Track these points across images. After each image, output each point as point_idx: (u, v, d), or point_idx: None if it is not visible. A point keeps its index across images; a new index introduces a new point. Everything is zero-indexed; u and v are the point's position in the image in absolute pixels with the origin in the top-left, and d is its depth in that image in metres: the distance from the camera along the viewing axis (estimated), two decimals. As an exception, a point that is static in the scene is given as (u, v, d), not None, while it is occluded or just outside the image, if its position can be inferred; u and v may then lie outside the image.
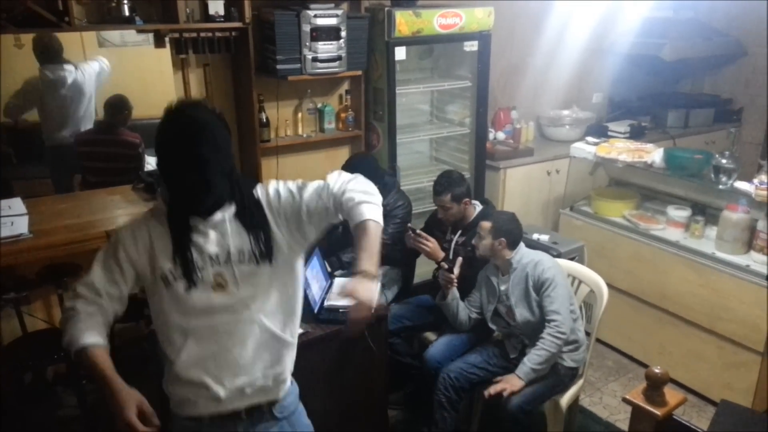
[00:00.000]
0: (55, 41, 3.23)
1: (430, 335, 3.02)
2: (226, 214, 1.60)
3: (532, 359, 2.49)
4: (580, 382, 2.72)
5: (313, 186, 1.65)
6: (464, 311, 2.75)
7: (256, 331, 1.64)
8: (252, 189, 1.66)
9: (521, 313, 2.59)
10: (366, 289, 1.52)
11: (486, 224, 2.64)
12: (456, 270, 2.72)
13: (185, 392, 1.66)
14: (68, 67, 3.34)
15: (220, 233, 1.59)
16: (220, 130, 1.53)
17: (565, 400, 2.60)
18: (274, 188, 1.66)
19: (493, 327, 2.73)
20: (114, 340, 2.97)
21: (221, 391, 1.62)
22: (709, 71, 5.19)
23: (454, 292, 2.72)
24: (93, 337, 1.53)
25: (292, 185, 1.66)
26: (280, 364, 1.70)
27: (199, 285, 1.58)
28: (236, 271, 1.60)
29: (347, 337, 1.69)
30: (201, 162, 1.49)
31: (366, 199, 1.61)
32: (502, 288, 2.66)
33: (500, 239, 2.60)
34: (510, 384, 2.47)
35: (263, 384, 1.67)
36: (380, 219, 1.61)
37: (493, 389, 2.48)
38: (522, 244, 2.67)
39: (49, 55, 3.27)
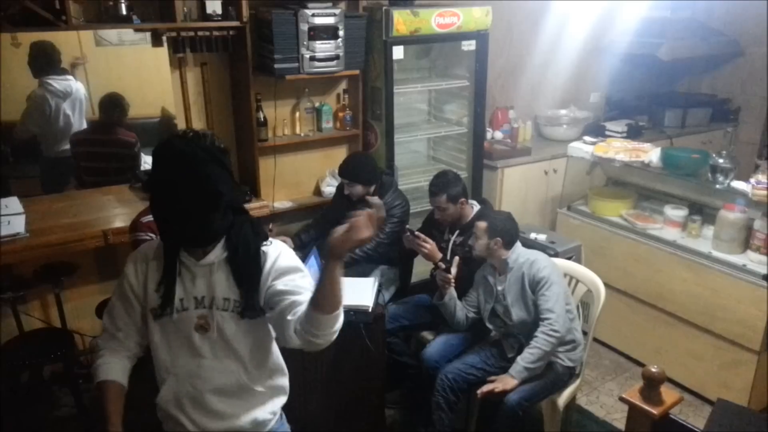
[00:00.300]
0: (56, 52, 3.24)
1: (428, 335, 3.02)
2: (217, 258, 1.60)
3: (525, 358, 2.49)
4: (578, 381, 2.72)
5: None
6: (462, 311, 2.75)
7: (232, 380, 1.65)
8: (256, 239, 1.62)
9: (517, 313, 2.60)
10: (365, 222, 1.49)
11: (482, 224, 2.64)
12: (453, 270, 2.72)
13: (166, 423, 1.75)
14: (69, 78, 3.34)
15: (210, 276, 1.60)
16: (206, 165, 1.50)
17: (562, 399, 2.61)
18: (278, 252, 1.63)
19: (491, 327, 2.73)
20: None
21: (189, 427, 1.68)
22: (707, 71, 5.19)
23: (452, 292, 2.73)
24: (109, 374, 1.64)
25: (300, 278, 1.61)
26: (257, 411, 1.71)
27: (182, 324, 1.62)
28: (218, 317, 1.61)
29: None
30: (197, 195, 1.49)
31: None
32: (499, 288, 2.66)
33: (496, 239, 2.60)
34: (503, 383, 2.48)
35: (239, 429, 1.69)
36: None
37: (486, 388, 2.49)
38: (518, 244, 2.67)
39: (51, 66, 3.28)
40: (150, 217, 2.48)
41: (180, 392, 1.66)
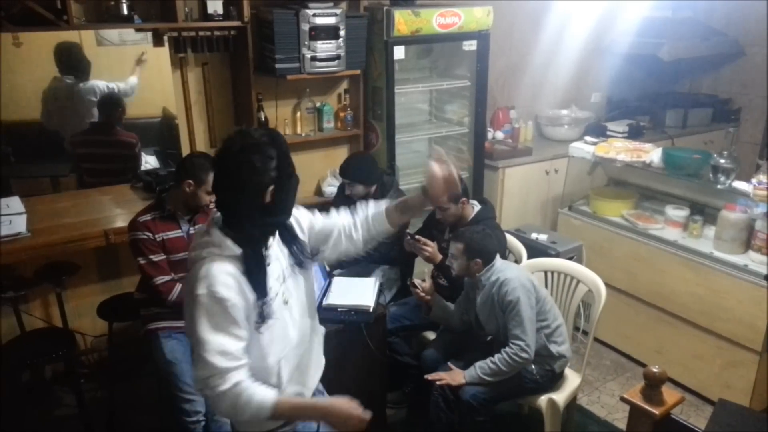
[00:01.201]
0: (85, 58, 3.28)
1: (429, 334, 3.02)
2: (273, 242, 1.66)
3: (482, 368, 2.48)
4: (578, 381, 2.72)
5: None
6: (456, 315, 2.73)
7: (308, 330, 1.77)
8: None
9: (490, 329, 2.60)
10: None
11: (459, 246, 2.54)
12: (426, 283, 2.74)
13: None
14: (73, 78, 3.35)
15: (275, 255, 1.65)
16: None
17: (562, 398, 2.60)
18: (301, 209, 1.79)
19: (479, 332, 2.71)
20: (112, 340, 2.99)
21: (308, 393, 1.78)
22: (708, 71, 5.20)
23: (438, 299, 2.72)
24: (268, 391, 1.55)
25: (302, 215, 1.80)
26: (322, 348, 1.88)
27: (277, 312, 1.63)
28: (291, 284, 1.69)
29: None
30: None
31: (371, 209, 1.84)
32: (477, 307, 2.63)
33: (475, 260, 2.53)
34: (451, 377, 2.51)
35: (322, 370, 1.87)
36: None
37: (433, 375, 2.52)
38: (496, 260, 2.58)
39: (79, 68, 3.30)
40: (147, 217, 2.49)
41: (292, 375, 1.70)
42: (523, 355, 2.44)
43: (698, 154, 3.37)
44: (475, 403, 2.46)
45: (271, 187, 1.54)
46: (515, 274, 2.54)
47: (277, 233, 1.67)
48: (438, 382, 2.52)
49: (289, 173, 1.58)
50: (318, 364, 1.85)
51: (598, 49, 4.66)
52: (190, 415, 2.40)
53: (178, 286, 2.47)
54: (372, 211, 1.82)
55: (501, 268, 2.57)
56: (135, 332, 2.82)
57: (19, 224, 2.81)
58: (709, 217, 3.32)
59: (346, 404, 1.57)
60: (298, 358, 1.72)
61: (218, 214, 1.61)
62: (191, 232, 2.54)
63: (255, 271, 1.55)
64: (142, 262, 2.47)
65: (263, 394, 1.52)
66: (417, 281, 2.77)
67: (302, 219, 1.78)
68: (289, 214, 1.65)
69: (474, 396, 2.45)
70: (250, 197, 1.54)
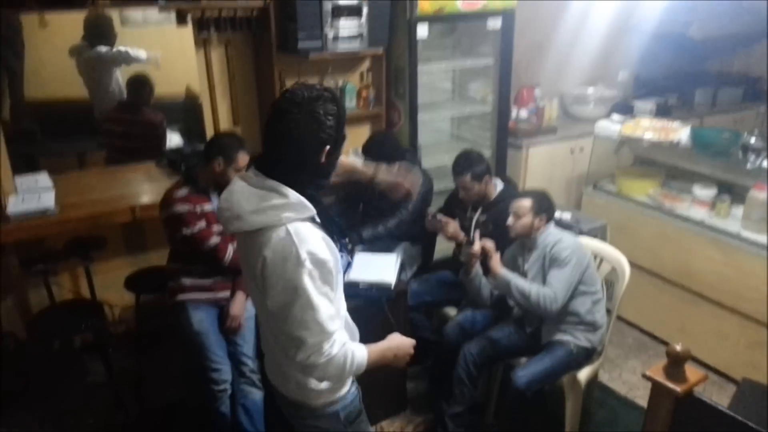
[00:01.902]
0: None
1: (450, 311, 3.03)
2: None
3: (517, 282, 2.50)
4: (600, 359, 2.71)
5: None
6: (486, 287, 2.74)
7: None
8: None
9: None
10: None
11: (525, 203, 2.58)
12: (477, 245, 2.69)
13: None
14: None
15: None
16: None
17: (583, 375, 2.60)
18: None
19: (512, 303, 2.72)
20: (139, 312, 3.05)
21: None
22: (739, 50, 5.05)
23: (477, 268, 2.72)
24: (360, 345, 1.61)
25: None
26: None
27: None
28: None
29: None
30: None
31: None
32: (526, 266, 2.65)
33: (541, 216, 2.58)
34: (491, 253, 2.55)
35: None
36: None
37: (479, 245, 2.58)
38: (552, 222, 2.66)
39: (103, 34, 3.31)
40: (183, 191, 2.54)
41: (346, 329, 1.67)
42: (552, 304, 2.46)
43: (727, 133, 3.31)
44: (529, 392, 2.42)
45: (328, 147, 1.50)
46: (573, 240, 2.62)
47: None
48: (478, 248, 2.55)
49: (344, 135, 1.56)
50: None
51: (626, 27, 4.56)
52: (218, 383, 2.45)
53: (230, 247, 2.54)
54: None
55: (555, 230, 2.63)
56: (161, 304, 2.88)
57: (47, 200, 2.87)
58: (736, 196, 3.27)
59: (399, 338, 1.73)
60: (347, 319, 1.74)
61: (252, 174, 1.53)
62: None
63: (330, 229, 1.56)
64: (189, 233, 2.50)
65: (360, 349, 1.58)
66: (439, 215, 2.85)
67: None
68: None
69: (528, 385, 2.42)
70: (310, 154, 1.49)
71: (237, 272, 2.51)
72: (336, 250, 1.54)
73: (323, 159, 1.51)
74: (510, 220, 2.63)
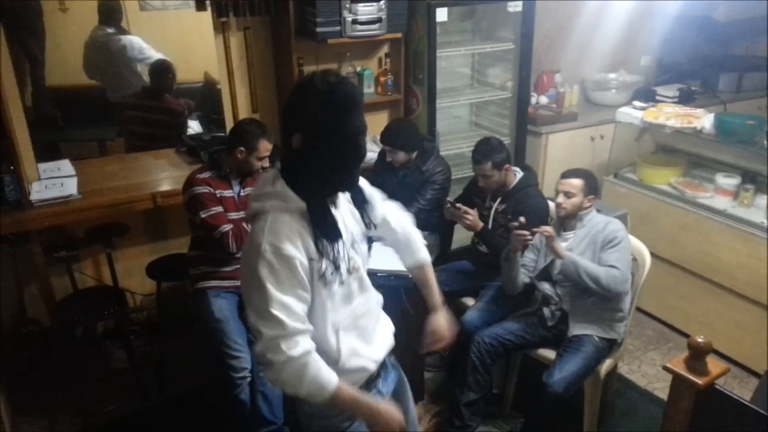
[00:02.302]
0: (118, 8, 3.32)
1: (468, 300, 3.03)
2: (345, 197, 1.61)
3: (585, 262, 2.47)
4: (620, 350, 2.70)
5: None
6: (522, 274, 2.71)
7: (374, 300, 1.72)
8: None
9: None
10: (447, 322, 1.84)
11: (577, 182, 2.58)
12: (548, 228, 2.58)
13: (348, 379, 1.60)
14: (112, 30, 3.39)
15: (344, 216, 1.59)
16: None
17: (603, 367, 2.59)
18: (364, 182, 1.72)
19: (540, 287, 2.69)
20: (160, 299, 3.09)
21: (373, 366, 1.69)
22: (766, 33, 4.93)
23: (515, 257, 2.67)
24: (333, 374, 1.49)
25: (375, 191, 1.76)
26: (388, 318, 1.83)
27: (347, 274, 1.56)
28: (358, 250, 1.62)
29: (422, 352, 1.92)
30: (363, 135, 1.50)
31: (422, 242, 1.88)
32: (564, 244, 2.62)
33: (590, 196, 2.60)
34: (552, 238, 2.48)
35: (390, 341, 1.79)
36: None
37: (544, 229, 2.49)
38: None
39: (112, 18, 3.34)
40: (206, 174, 2.56)
41: (352, 340, 1.62)
42: (622, 284, 2.46)
43: (752, 119, 3.24)
44: (567, 395, 2.38)
45: (298, 134, 1.44)
46: (620, 222, 2.63)
47: (346, 195, 1.61)
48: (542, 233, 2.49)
49: (362, 127, 1.48)
50: (384, 335, 1.76)
51: (649, 10, 4.47)
52: (237, 371, 2.48)
53: (241, 235, 2.55)
54: (409, 248, 1.88)
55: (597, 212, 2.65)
56: (182, 292, 2.91)
57: (70, 186, 2.91)
58: (761, 185, 3.22)
59: (393, 412, 1.52)
60: (359, 330, 1.64)
61: (279, 163, 1.52)
62: (241, 194, 2.63)
63: (322, 224, 1.48)
64: (204, 215, 2.52)
65: (329, 375, 1.46)
66: (458, 204, 2.83)
67: (375, 196, 1.73)
68: (355, 178, 1.56)
69: (567, 389, 2.38)
70: (286, 138, 1.47)
71: None
72: (317, 250, 1.47)
73: (295, 146, 1.44)
74: (560, 199, 2.61)
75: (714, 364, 1.76)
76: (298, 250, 1.43)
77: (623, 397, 3.01)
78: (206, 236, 2.57)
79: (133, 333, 3.20)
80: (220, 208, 2.55)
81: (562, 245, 2.54)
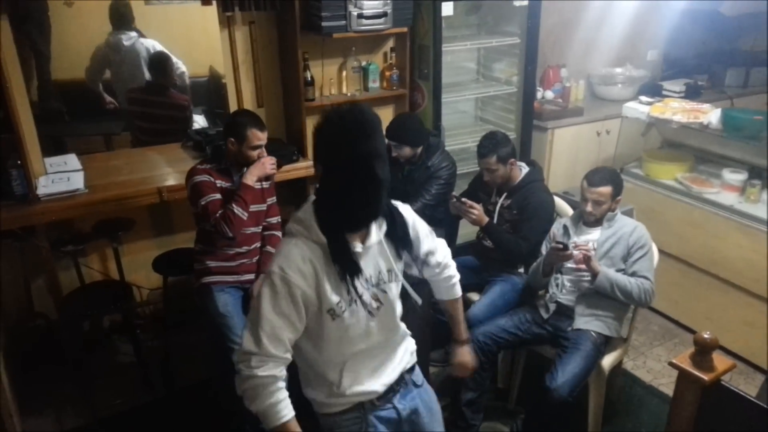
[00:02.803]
0: (129, 10, 3.32)
1: (473, 295, 3.03)
2: (378, 235, 1.57)
3: (619, 278, 2.48)
4: (625, 345, 2.70)
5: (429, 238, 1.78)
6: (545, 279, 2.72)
7: (398, 336, 1.74)
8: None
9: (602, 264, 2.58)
10: (471, 355, 2.03)
11: (606, 190, 2.57)
12: (584, 251, 2.56)
13: (348, 401, 1.67)
14: (133, 35, 3.40)
15: (374, 254, 1.57)
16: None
17: (607, 363, 2.59)
18: (411, 215, 1.72)
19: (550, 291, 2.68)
20: (166, 293, 3.10)
21: (381, 389, 1.69)
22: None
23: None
24: (291, 410, 1.51)
25: (420, 225, 1.75)
26: (410, 340, 1.83)
27: (359, 311, 1.56)
28: (387, 290, 1.61)
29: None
30: (386, 155, 1.45)
31: (457, 278, 1.91)
32: (582, 237, 2.65)
33: (617, 199, 2.63)
34: (593, 262, 2.48)
35: (405, 360, 1.78)
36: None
37: (582, 253, 2.47)
38: None
39: (123, 22, 3.34)
40: (207, 166, 2.59)
41: (360, 373, 1.64)
42: (651, 296, 2.50)
43: (759, 115, 3.23)
44: (571, 398, 2.37)
45: (356, 164, 1.41)
46: (643, 225, 2.68)
47: (382, 232, 1.57)
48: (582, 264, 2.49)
49: (375, 152, 1.42)
50: (401, 357, 1.75)
51: (656, 4, 4.44)
52: (242, 365, 2.48)
53: (237, 216, 2.54)
54: (447, 284, 1.91)
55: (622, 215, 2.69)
56: (188, 286, 2.92)
57: (77, 181, 2.92)
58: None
59: None
60: (373, 363, 1.66)
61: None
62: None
63: (339, 260, 1.48)
64: (204, 202, 2.52)
65: (284, 409, 1.49)
66: (464, 199, 2.83)
67: (420, 231, 1.72)
68: (373, 207, 1.50)
69: (571, 392, 2.37)
70: (330, 177, 1.46)
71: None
72: (331, 283, 1.49)
73: (317, 176, 1.50)
74: (589, 207, 2.60)
75: (720, 360, 1.76)
76: (305, 280, 1.46)
77: (628, 393, 3.01)
78: (210, 228, 2.57)
79: (139, 327, 3.21)
80: (218, 196, 2.55)
81: (597, 262, 2.52)
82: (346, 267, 1.50)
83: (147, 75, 3.47)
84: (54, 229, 3.01)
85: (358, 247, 1.52)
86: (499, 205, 2.91)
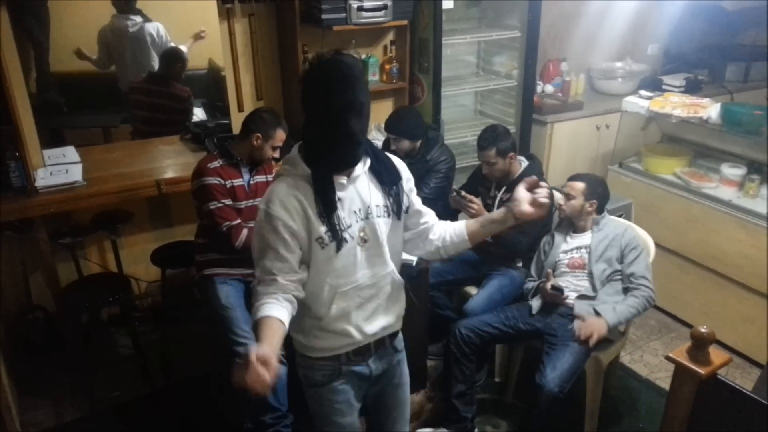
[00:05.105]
0: None
1: (471, 289, 3.04)
2: (362, 170, 1.64)
3: (623, 313, 2.48)
4: (622, 339, 2.71)
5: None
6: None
7: (388, 280, 1.73)
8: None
9: (598, 267, 2.59)
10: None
11: (578, 185, 2.63)
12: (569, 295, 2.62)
13: (328, 342, 1.73)
14: (139, 19, 3.38)
15: (360, 188, 1.64)
16: (363, 77, 1.58)
17: (605, 357, 2.60)
18: (392, 156, 1.76)
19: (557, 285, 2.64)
20: (165, 286, 3.11)
21: (360, 337, 1.74)
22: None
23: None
24: (270, 311, 1.56)
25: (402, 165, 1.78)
26: (401, 303, 1.83)
27: (348, 242, 1.62)
28: (376, 225, 1.66)
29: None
30: (363, 107, 1.52)
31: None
32: (573, 242, 2.67)
33: (592, 201, 2.63)
34: (597, 330, 2.43)
35: (392, 323, 1.80)
36: None
37: (583, 334, 2.43)
38: (605, 211, 2.72)
39: (126, 3, 3.33)
40: (216, 164, 2.56)
41: (348, 307, 1.69)
42: (653, 299, 2.53)
43: (759, 109, 3.22)
44: (562, 394, 2.36)
45: (330, 115, 1.50)
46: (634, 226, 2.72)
47: (366, 166, 1.64)
48: (592, 342, 2.42)
49: (348, 105, 1.49)
50: (388, 314, 1.78)
51: (658, -2, 4.44)
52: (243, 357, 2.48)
53: (245, 231, 2.55)
54: (453, 230, 1.80)
55: (612, 217, 2.71)
56: (187, 279, 2.93)
57: (75, 173, 2.91)
58: (766, 176, 3.20)
59: (262, 372, 1.37)
60: (361, 300, 1.69)
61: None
62: (251, 182, 2.64)
63: (320, 191, 1.57)
64: (213, 207, 2.52)
65: (271, 308, 1.54)
66: (463, 192, 2.83)
67: (409, 180, 1.77)
68: (347, 158, 1.59)
69: (561, 388, 2.35)
70: (312, 118, 1.56)
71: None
72: (323, 217, 1.58)
73: (330, 125, 1.54)
74: (561, 200, 2.65)
75: (716, 354, 1.76)
76: (288, 212, 1.56)
77: (625, 387, 3.02)
78: (213, 227, 2.57)
79: (137, 319, 3.22)
80: (228, 201, 2.55)
81: (600, 323, 2.46)
82: (329, 199, 1.58)
83: (153, 62, 3.46)
84: (52, 221, 3.01)
85: (342, 179, 1.60)
86: (498, 199, 2.91)
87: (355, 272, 1.66)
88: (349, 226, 1.61)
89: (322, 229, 1.58)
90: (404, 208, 1.72)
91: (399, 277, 1.77)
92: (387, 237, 1.69)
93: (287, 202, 1.56)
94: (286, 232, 1.56)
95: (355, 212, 1.63)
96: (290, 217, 1.56)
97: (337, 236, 1.59)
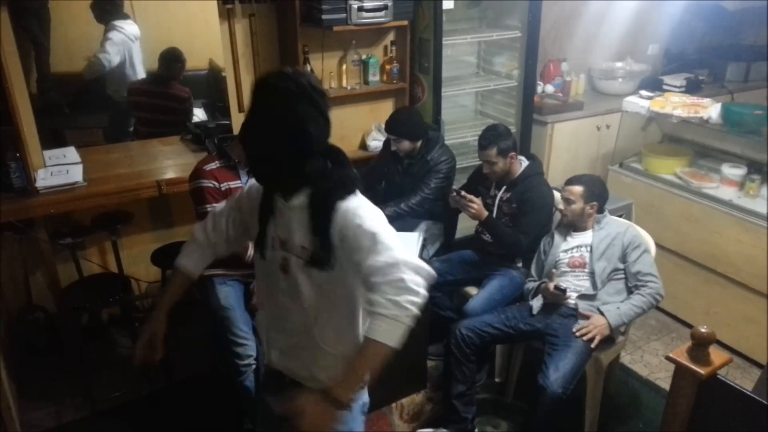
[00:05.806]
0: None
1: (471, 290, 3.03)
2: (300, 203, 1.54)
3: (627, 313, 2.49)
4: (622, 339, 2.70)
5: (376, 253, 1.47)
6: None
7: (299, 326, 1.64)
8: (339, 195, 1.51)
9: (600, 265, 2.59)
10: (319, 416, 1.43)
11: (577, 189, 2.64)
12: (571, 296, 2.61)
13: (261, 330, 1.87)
14: (130, 21, 3.39)
15: (290, 219, 1.56)
16: (298, 101, 1.43)
17: (605, 357, 2.60)
18: (356, 222, 1.49)
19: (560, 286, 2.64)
20: (164, 286, 3.10)
21: (253, 353, 1.88)
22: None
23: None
24: (185, 260, 1.76)
25: (368, 236, 1.48)
26: (323, 373, 1.64)
27: (270, 261, 1.64)
28: (293, 262, 1.57)
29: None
30: (270, 133, 1.47)
31: (395, 315, 1.43)
32: (574, 242, 2.68)
33: (593, 203, 2.64)
34: (599, 330, 2.46)
35: (305, 377, 1.69)
36: (394, 342, 1.45)
37: (585, 334, 2.45)
38: (606, 210, 2.73)
39: (114, 11, 3.34)
40: (213, 165, 2.55)
41: (269, 323, 1.75)
42: (661, 295, 2.53)
43: (760, 109, 3.22)
44: (565, 395, 2.35)
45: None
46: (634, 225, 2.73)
47: (307, 197, 1.53)
48: (594, 343, 2.45)
49: (253, 127, 1.50)
50: (293, 359, 1.69)
51: (658, -3, 4.44)
52: (242, 358, 2.48)
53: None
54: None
55: (613, 216, 2.71)
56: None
57: (76, 174, 2.91)
58: (767, 176, 3.19)
59: (148, 337, 1.79)
60: (277, 326, 1.71)
61: None
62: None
63: (263, 201, 1.64)
64: (204, 210, 2.49)
65: (184, 252, 1.77)
66: (463, 192, 2.83)
67: (348, 229, 1.49)
68: (260, 175, 1.58)
69: (565, 389, 2.34)
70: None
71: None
72: (257, 203, 1.66)
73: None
74: (561, 205, 2.66)
75: (716, 355, 1.76)
76: (249, 201, 1.69)
77: (625, 387, 3.02)
78: None
79: (138, 320, 3.21)
80: (221, 204, 2.52)
81: (605, 325, 2.49)
82: (261, 212, 1.64)
83: (142, 66, 3.46)
84: (53, 221, 3.01)
85: (279, 202, 1.59)
86: (498, 198, 2.91)
87: (275, 294, 1.65)
88: (273, 248, 1.61)
89: (255, 233, 1.67)
90: (327, 261, 1.52)
91: (328, 342, 1.60)
92: (307, 285, 1.57)
93: (253, 194, 1.68)
94: (236, 209, 1.73)
95: (280, 239, 1.58)
96: (248, 204, 1.69)
97: (259, 245, 1.65)
